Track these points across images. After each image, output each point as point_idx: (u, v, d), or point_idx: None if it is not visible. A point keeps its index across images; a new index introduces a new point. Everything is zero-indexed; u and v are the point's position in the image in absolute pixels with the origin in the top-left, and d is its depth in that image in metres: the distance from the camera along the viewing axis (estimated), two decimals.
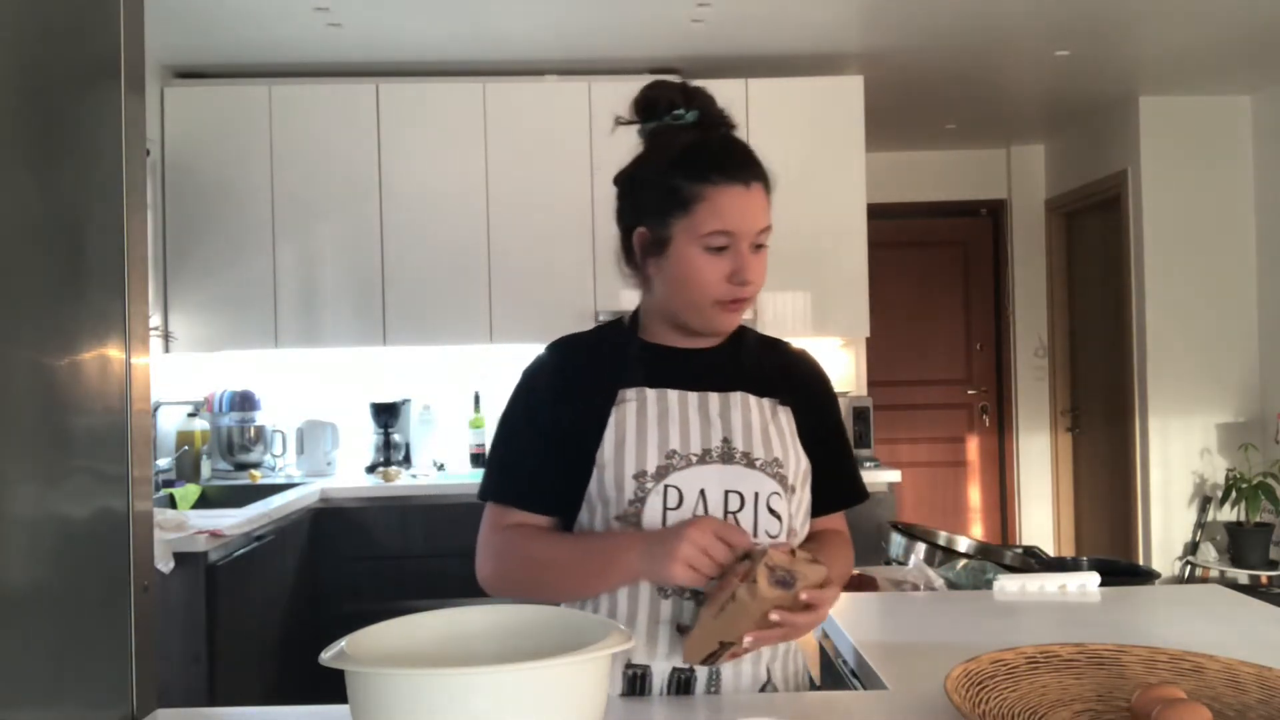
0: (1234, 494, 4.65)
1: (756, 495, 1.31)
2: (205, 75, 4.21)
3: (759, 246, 1.32)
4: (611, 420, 1.33)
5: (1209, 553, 4.89)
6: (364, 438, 4.28)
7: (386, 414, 4.20)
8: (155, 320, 3.98)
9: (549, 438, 1.35)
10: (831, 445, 1.44)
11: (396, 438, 4.21)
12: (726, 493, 1.30)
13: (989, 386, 6.18)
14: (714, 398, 1.35)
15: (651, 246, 1.34)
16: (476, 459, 4.20)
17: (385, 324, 4.11)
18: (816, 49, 4.12)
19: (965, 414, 6.19)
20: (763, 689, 1.34)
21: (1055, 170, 5.97)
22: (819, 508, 1.42)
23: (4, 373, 0.96)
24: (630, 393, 1.35)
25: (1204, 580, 4.69)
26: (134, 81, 1.15)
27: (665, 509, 1.29)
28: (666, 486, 1.29)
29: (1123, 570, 2.22)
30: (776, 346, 1.49)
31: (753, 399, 1.37)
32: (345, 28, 3.78)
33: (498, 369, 4.34)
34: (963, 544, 2.34)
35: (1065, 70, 4.49)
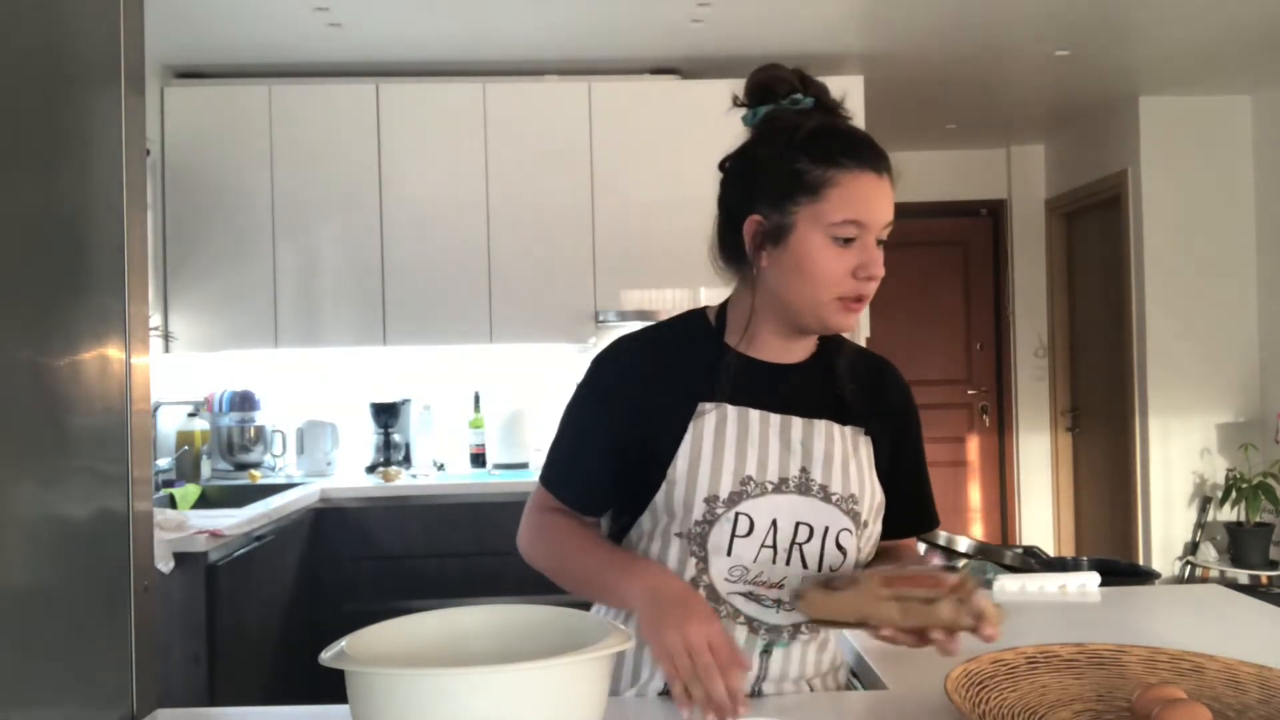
0: (1234, 494, 4.65)
1: (826, 529, 1.27)
2: (205, 75, 4.21)
3: (880, 242, 1.24)
4: (689, 435, 1.26)
5: (1209, 553, 4.88)
6: (364, 438, 4.28)
7: (386, 414, 4.20)
8: (155, 320, 3.97)
9: (616, 440, 1.29)
10: (910, 473, 1.39)
11: (396, 438, 4.21)
12: (797, 524, 1.26)
13: (989, 386, 6.18)
14: (797, 423, 1.28)
15: (768, 235, 1.23)
16: (476, 459, 4.20)
17: (385, 324, 4.11)
18: (816, 49, 4.12)
19: (965, 414, 6.19)
20: None
21: (1055, 170, 5.97)
22: (893, 532, 1.38)
23: (4, 373, 0.96)
24: (710, 407, 1.27)
25: (1204, 580, 4.69)
26: (134, 81, 1.15)
27: (734, 535, 1.25)
28: (738, 514, 1.24)
29: (1123, 570, 2.22)
30: (869, 363, 1.40)
31: (836, 428, 1.30)
32: (345, 28, 3.78)
33: (498, 369, 4.34)
34: (963, 544, 2.34)
35: (1065, 70, 4.49)
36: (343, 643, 0.98)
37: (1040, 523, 6.09)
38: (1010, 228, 6.11)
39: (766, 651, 1.29)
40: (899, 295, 5.85)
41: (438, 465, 4.25)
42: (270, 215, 4.08)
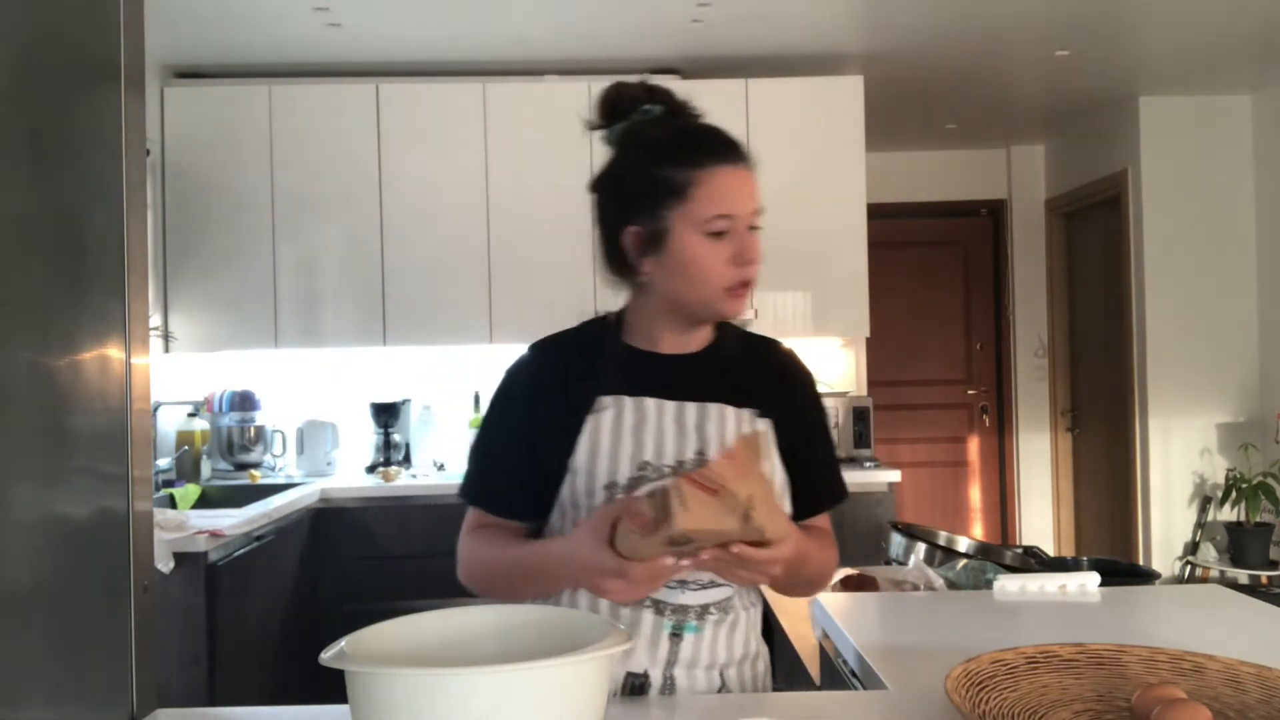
0: (1234, 494, 4.65)
1: None
2: (205, 75, 4.21)
3: (755, 228, 1.30)
4: (587, 427, 1.31)
5: (1209, 553, 4.89)
6: (364, 438, 4.28)
7: (386, 414, 4.20)
8: (155, 320, 3.98)
9: (525, 441, 1.34)
10: (812, 451, 1.42)
11: (396, 438, 4.21)
12: None
13: (989, 386, 6.18)
14: (691, 408, 1.33)
15: (648, 243, 1.30)
16: None
17: (385, 324, 4.11)
18: (816, 49, 4.12)
19: (965, 414, 6.19)
20: (717, 692, 1.33)
21: (1055, 170, 5.97)
22: (802, 511, 1.39)
23: (4, 373, 0.96)
24: (608, 400, 1.32)
25: (1204, 580, 4.69)
26: (134, 81, 1.15)
27: None
28: None
29: (1123, 570, 2.22)
30: (761, 348, 1.45)
31: (730, 410, 1.34)
32: (345, 28, 3.79)
33: (498, 369, 4.30)
34: (963, 544, 2.34)
35: (1065, 70, 4.49)
36: (343, 643, 0.98)
37: (1040, 523, 6.09)
38: (1010, 228, 6.11)
39: (676, 634, 1.31)
40: (899, 295, 5.86)
41: (438, 465, 4.25)
42: (270, 215, 4.08)
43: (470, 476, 1.41)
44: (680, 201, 1.27)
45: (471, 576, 1.38)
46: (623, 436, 1.31)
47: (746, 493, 1.07)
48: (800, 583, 1.40)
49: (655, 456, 1.30)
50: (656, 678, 1.31)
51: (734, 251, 1.28)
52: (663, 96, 1.35)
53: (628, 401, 1.33)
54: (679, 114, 1.35)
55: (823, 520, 1.45)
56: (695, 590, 1.31)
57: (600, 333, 1.41)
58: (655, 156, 1.29)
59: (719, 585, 1.32)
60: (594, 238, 1.38)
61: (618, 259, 1.35)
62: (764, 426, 1.36)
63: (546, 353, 1.40)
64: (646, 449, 1.30)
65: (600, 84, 4.42)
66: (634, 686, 1.31)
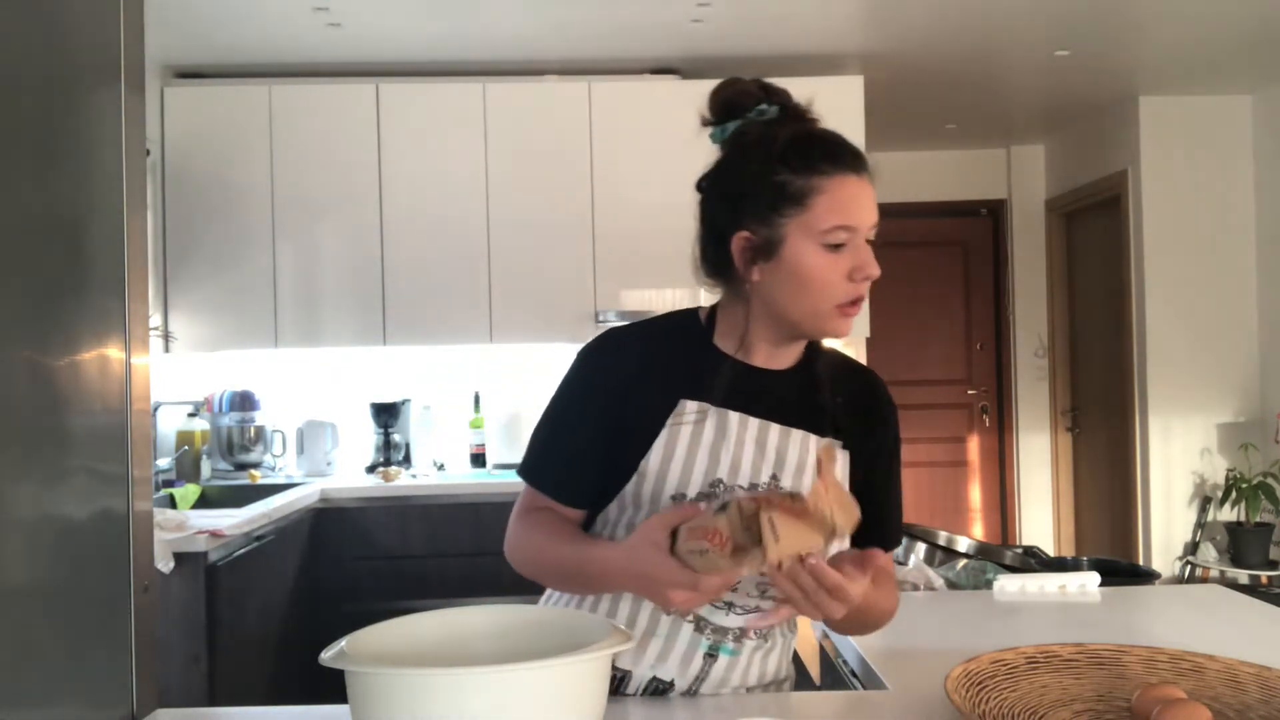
0: (1234, 494, 4.65)
1: None
2: (205, 75, 4.21)
3: (869, 242, 1.24)
4: (665, 431, 1.26)
5: (1209, 553, 4.88)
6: (364, 438, 4.28)
7: (386, 414, 4.20)
8: (155, 320, 3.97)
9: (601, 431, 1.28)
10: (883, 491, 1.36)
11: (396, 438, 4.21)
12: None
13: (989, 386, 6.18)
14: (774, 430, 1.28)
15: (759, 250, 1.22)
16: (476, 459, 4.20)
17: (385, 324, 4.11)
18: (816, 49, 4.12)
19: (965, 414, 6.19)
20: None
21: (1055, 170, 5.97)
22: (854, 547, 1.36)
23: (4, 373, 0.96)
24: (691, 405, 1.26)
25: (1204, 580, 4.69)
26: (134, 81, 1.15)
27: None
28: None
29: (1123, 570, 2.22)
30: (853, 375, 1.39)
31: (813, 438, 1.29)
32: (345, 28, 3.78)
33: (498, 369, 4.35)
34: (963, 544, 2.34)
35: (1065, 70, 4.49)
36: (343, 643, 0.98)
37: (1040, 523, 6.09)
38: (1010, 228, 6.11)
39: (711, 655, 1.29)
40: (899, 295, 5.85)
41: (438, 465, 4.25)
42: (270, 215, 4.08)
43: (533, 457, 1.34)
44: (799, 209, 1.20)
45: (520, 561, 1.32)
46: (700, 448, 1.26)
47: (833, 513, 1.05)
48: (861, 625, 1.34)
49: (729, 475, 1.25)
50: (682, 689, 1.29)
51: (852, 265, 1.21)
52: (781, 98, 1.29)
53: (711, 411, 1.27)
54: (797, 117, 1.28)
55: (886, 562, 1.38)
56: (740, 615, 1.28)
57: (690, 331, 1.33)
58: (774, 160, 1.22)
59: (761, 610, 1.28)
60: (696, 237, 1.31)
61: (719, 262, 1.28)
62: (841, 456, 1.31)
63: (633, 342, 1.33)
64: (722, 466, 1.25)
65: (600, 84, 4.45)
66: (656, 690, 1.29)
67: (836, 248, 1.21)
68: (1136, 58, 4.41)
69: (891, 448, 1.38)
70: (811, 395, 1.32)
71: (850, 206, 1.21)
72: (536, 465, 1.33)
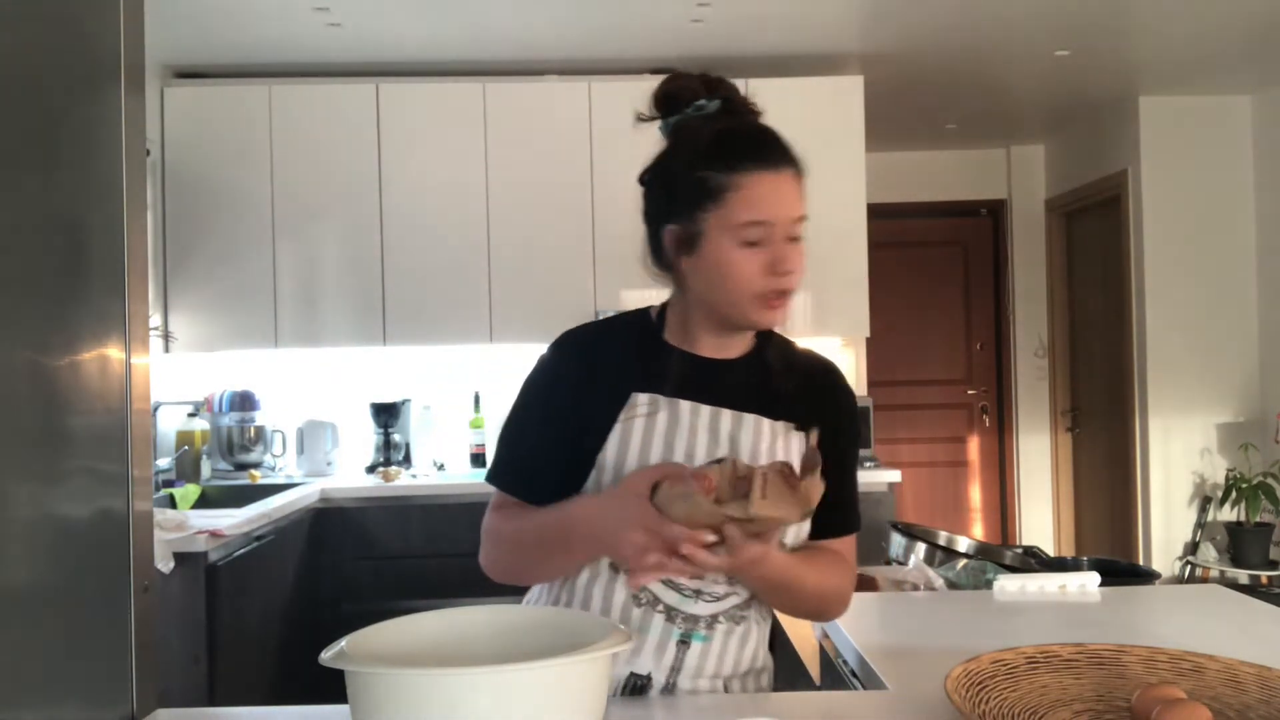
0: (1234, 494, 4.65)
1: None
2: (205, 75, 4.21)
3: (794, 238, 1.25)
4: (619, 425, 1.29)
5: (1209, 553, 4.88)
6: (364, 438, 4.28)
7: (386, 414, 4.20)
8: (155, 320, 3.97)
9: (557, 428, 1.32)
10: (836, 474, 1.35)
11: (396, 438, 4.21)
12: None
13: (989, 386, 6.18)
14: (727, 415, 1.30)
15: (684, 243, 1.27)
16: (476, 459, 4.20)
17: (385, 324, 4.11)
18: (816, 49, 4.12)
19: (965, 414, 6.19)
20: None
21: (1055, 170, 5.97)
22: (819, 534, 1.37)
23: (4, 373, 0.96)
24: (644, 397, 1.30)
25: (1204, 580, 4.69)
26: (134, 81, 1.15)
27: None
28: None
29: (1123, 570, 2.22)
30: (805, 362, 1.41)
31: (766, 423, 1.31)
32: (345, 28, 3.78)
33: (498, 369, 4.34)
34: (963, 544, 2.34)
35: (1065, 70, 4.49)
36: (343, 643, 0.98)
37: (1040, 523, 6.09)
38: (1010, 228, 6.11)
39: (684, 642, 1.30)
40: (899, 295, 5.86)
41: (438, 465, 4.25)
42: (270, 215, 4.08)
43: (497, 460, 1.37)
44: (717, 205, 1.23)
45: (499, 554, 1.34)
46: (654, 437, 1.28)
47: (814, 497, 1.11)
48: (797, 601, 1.34)
49: (684, 461, 1.27)
50: (659, 681, 1.30)
51: (769, 260, 1.23)
52: (723, 91, 1.31)
53: (663, 402, 1.30)
54: (736, 111, 1.30)
55: (841, 544, 1.39)
56: (709, 602, 1.30)
57: (641, 328, 1.38)
58: (696, 156, 1.26)
59: (732, 596, 1.31)
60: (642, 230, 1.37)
61: (659, 256, 1.33)
62: (796, 440, 1.33)
63: (586, 340, 1.37)
64: (677, 454, 1.28)
65: (600, 84, 4.44)
66: (635, 687, 1.30)
67: (753, 243, 1.23)
68: (1136, 58, 4.41)
69: (847, 432, 1.39)
70: (763, 382, 1.35)
71: (764, 203, 1.23)
72: (501, 468, 1.37)
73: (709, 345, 1.34)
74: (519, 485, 1.35)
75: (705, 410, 1.30)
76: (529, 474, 1.34)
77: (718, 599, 1.30)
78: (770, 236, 1.23)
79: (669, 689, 1.30)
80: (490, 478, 1.37)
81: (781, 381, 1.35)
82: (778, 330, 1.39)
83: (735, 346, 1.36)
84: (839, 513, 1.37)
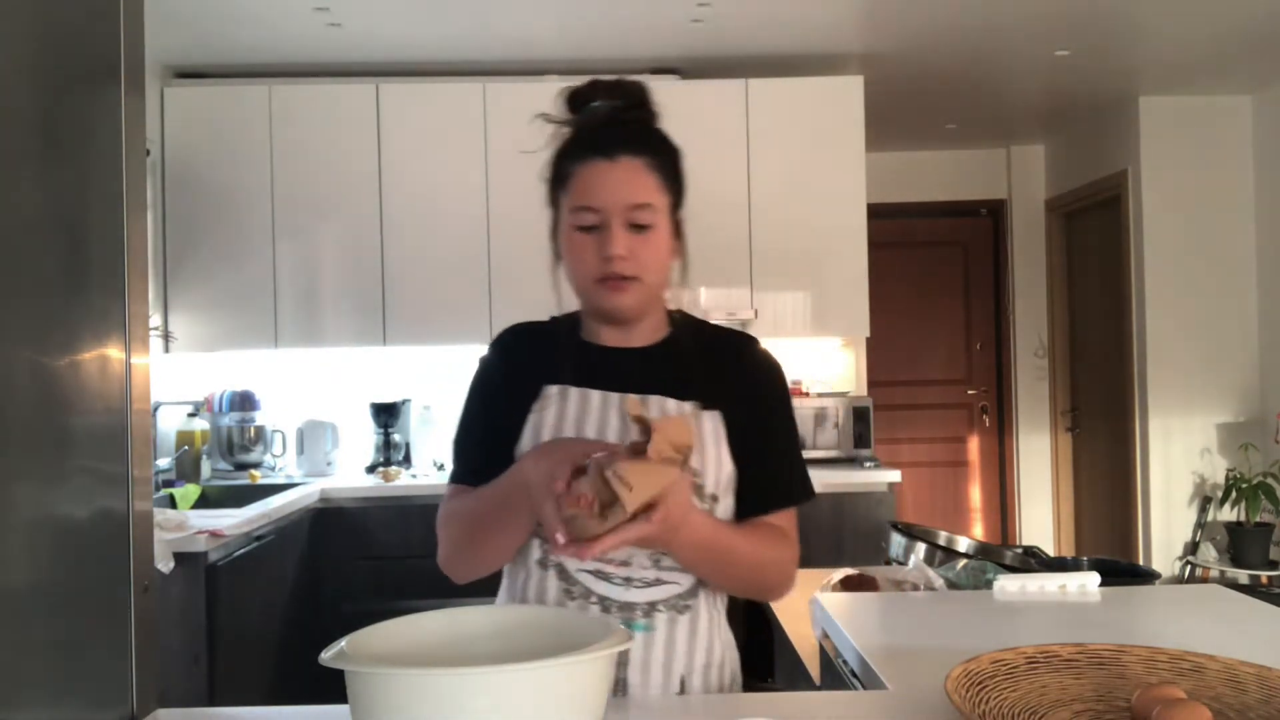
0: (1234, 494, 4.65)
1: None
2: (205, 75, 4.21)
3: (641, 226, 1.29)
4: (531, 417, 1.33)
5: (1209, 553, 4.89)
6: (364, 438, 4.28)
7: (386, 414, 4.20)
8: (155, 320, 3.98)
9: (490, 422, 1.38)
10: (766, 443, 1.37)
11: (396, 438, 4.21)
12: None
13: (989, 386, 6.18)
14: (634, 401, 1.32)
15: (552, 232, 1.37)
16: None
17: (385, 324, 4.11)
18: (816, 49, 4.12)
19: (965, 414, 6.19)
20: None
21: (1055, 170, 5.97)
22: (752, 506, 1.36)
23: (4, 373, 0.96)
24: (554, 390, 1.34)
25: (1204, 580, 4.69)
26: (134, 81, 1.15)
27: None
28: None
29: (1123, 570, 2.22)
30: (719, 342, 1.42)
31: (672, 403, 1.32)
32: (345, 28, 3.79)
33: None
34: (963, 544, 2.34)
35: (1065, 70, 4.49)
36: (343, 643, 0.98)
37: (1040, 523, 6.09)
38: (1010, 228, 6.11)
39: None
40: (899, 295, 5.86)
41: (438, 465, 4.25)
42: (270, 215, 4.08)
43: (453, 460, 1.44)
44: (564, 193, 1.33)
45: (445, 542, 1.36)
46: (565, 428, 1.31)
47: (673, 443, 1.12)
48: (733, 572, 1.32)
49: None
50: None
51: (601, 245, 1.28)
52: (620, 93, 1.35)
53: (572, 392, 1.34)
54: (625, 110, 1.34)
55: (781, 518, 1.38)
56: (641, 587, 1.29)
57: (565, 323, 1.43)
58: (559, 150, 1.35)
59: (666, 583, 1.30)
60: None
61: (555, 247, 1.40)
62: (709, 418, 1.34)
63: (510, 340, 1.44)
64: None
65: None
66: None
67: (589, 229, 1.29)
68: (1136, 58, 4.41)
69: (770, 403, 1.40)
70: (669, 367, 1.37)
71: (592, 190, 1.29)
72: (454, 467, 1.42)
73: (609, 335, 1.38)
74: (466, 475, 1.39)
75: (614, 397, 1.33)
76: (474, 472, 1.37)
77: (648, 584, 1.29)
78: (604, 222, 1.28)
79: (620, 687, 1.28)
80: (451, 478, 1.43)
81: (693, 364, 1.36)
82: (693, 313, 1.43)
83: (639, 335, 1.38)
84: (767, 484, 1.37)
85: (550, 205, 1.37)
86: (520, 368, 1.39)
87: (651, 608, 1.30)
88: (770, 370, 1.42)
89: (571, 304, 1.43)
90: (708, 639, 1.35)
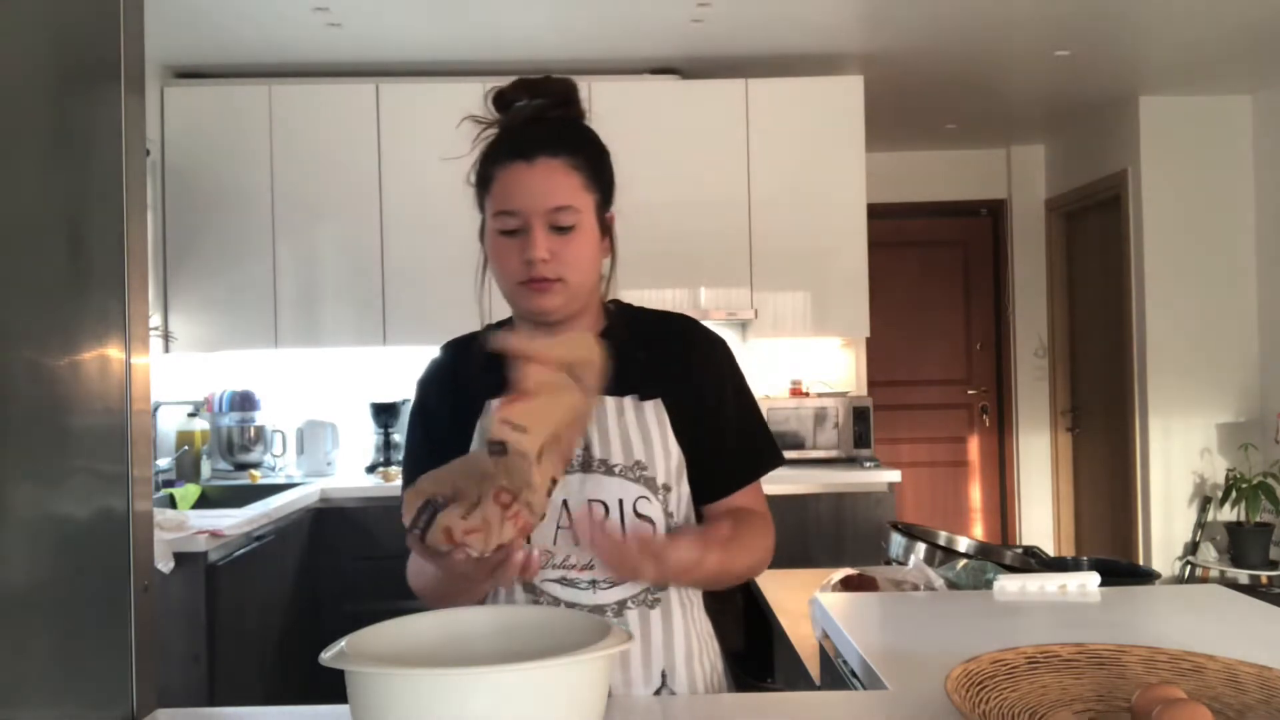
0: (1234, 494, 4.66)
1: (621, 502, 1.28)
2: (205, 75, 4.21)
3: (564, 228, 1.27)
4: (477, 432, 1.32)
5: (1209, 553, 4.89)
6: (364, 438, 4.28)
7: (386, 414, 4.20)
8: (155, 320, 3.97)
9: (433, 449, 1.33)
10: (719, 417, 1.36)
11: (396, 438, 4.21)
12: (590, 502, 1.27)
13: (989, 386, 6.18)
14: None
15: (480, 236, 1.35)
16: None
17: (385, 324, 4.11)
18: (816, 49, 4.12)
19: (965, 414, 6.19)
20: (657, 693, 1.30)
21: (1055, 170, 5.97)
22: (722, 485, 1.35)
23: (4, 373, 0.96)
24: (495, 403, 1.27)
25: (1204, 580, 4.69)
26: (134, 81, 1.15)
27: None
28: None
29: (1123, 570, 2.22)
30: (651, 328, 1.40)
31: (610, 400, 1.31)
32: (345, 28, 3.79)
33: None
34: (963, 544, 2.34)
35: (1065, 70, 4.49)
36: (342, 643, 0.98)
37: (1040, 523, 6.09)
38: (1010, 228, 6.11)
39: None
40: (899, 295, 5.86)
41: None
42: (270, 215, 4.08)
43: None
44: (486, 196, 1.31)
45: (415, 587, 1.38)
46: None
47: (567, 359, 1.10)
48: (725, 583, 1.32)
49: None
50: None
51: (522, 248, 1.27)
52: (545, 91, 1.33)
53: None
54: (549, 109, 1.33)
55: (747, 498, 1.37)
56: (607, 588, 1.29)
57: (495, 333, 1.39)
58: (482, 154, 1.34)
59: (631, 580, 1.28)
60: None
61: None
62: (651, 407, 1.33)
63: (448, 355, 1.44)
64: None
65: (601, 84, 4.44)
66: None
67: (511, 232, 1.28)
68: (1136, 58, 4.41)
69: (716, 379, 1.38)
70: (614, 360, 1.32)
71: (511, 193, 1.27)
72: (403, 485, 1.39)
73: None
74: None
75: None
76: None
77: (614, 584, 1.29)
78: (525, 225, 1.27)
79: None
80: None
81: (629, 353, 1.32)
82: (629, 303, 1.42)
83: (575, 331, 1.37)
84: (732, 461, 1.36)
85: (478, 209, 1.35)
86: (458, 384, 1.38)
87: (621, 606, 1.29)
88: (712, 345, 1.41)
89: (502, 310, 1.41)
90: (683, 630, 1.34)
